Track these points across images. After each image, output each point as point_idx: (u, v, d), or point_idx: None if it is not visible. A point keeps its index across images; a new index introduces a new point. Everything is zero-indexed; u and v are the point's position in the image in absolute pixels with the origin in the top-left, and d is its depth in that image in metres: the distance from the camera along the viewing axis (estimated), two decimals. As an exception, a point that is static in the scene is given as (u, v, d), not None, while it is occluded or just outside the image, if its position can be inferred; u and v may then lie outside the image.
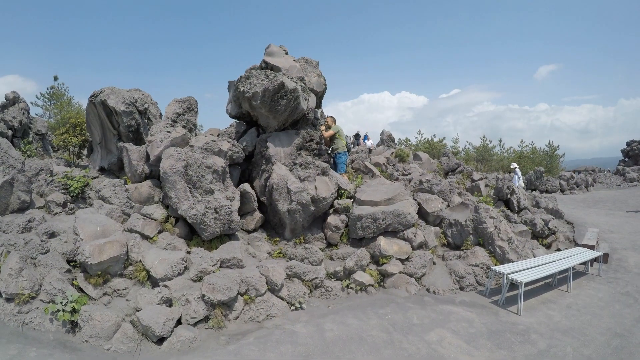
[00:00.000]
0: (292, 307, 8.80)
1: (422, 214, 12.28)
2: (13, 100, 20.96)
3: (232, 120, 13.76)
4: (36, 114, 26.73)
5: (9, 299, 7.57)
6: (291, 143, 12.02)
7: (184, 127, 11.72)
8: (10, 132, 18.95)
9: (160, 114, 13.22)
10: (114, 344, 6.96)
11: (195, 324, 7.63)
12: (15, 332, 7.12)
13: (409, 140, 42.47)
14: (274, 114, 11.72)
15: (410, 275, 10.23)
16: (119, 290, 8.27)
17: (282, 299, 8.84)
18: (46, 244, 8.69)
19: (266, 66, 12.88)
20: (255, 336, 7.49)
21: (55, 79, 37.02)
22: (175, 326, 7.42)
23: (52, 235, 8.95)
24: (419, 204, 12.30)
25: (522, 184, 20.24)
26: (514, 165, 21.14)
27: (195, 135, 11.80)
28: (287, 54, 13.84)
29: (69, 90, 37.39)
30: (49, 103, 36.48)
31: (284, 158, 11.70)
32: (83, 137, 15.21)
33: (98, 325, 7.05)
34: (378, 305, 8.98)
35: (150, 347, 7.03)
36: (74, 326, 7.31)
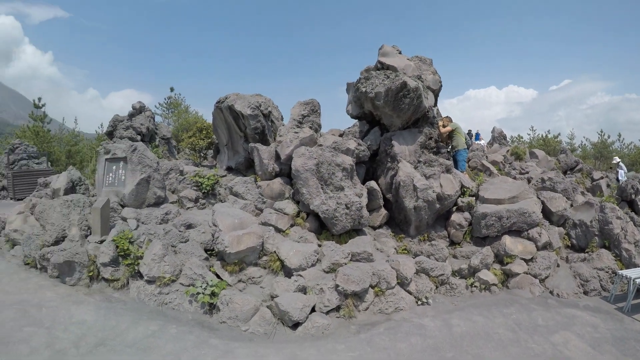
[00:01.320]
0: (419, 302, 8.80)
1: (545, 213, 11.75)
2: (140, 109, 22.62)
3: (338, 122, 13.95)
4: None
5: (150, 281, 8.34)
6: (415, 141, 11.99)
7: (310, 127, 12.10)
8: (139, 137, 20.46)
9: (282, 116, 13.80)
10: (251, 326, 7.33)
11: (327, 312, 7.85)
12: (155, 310, 7.74)
13: (522, 137, 40.52)
14: (398, 112, 11.72)
15: (535, 276, 9.89)
16: (253, 277, 8.73)
17: (410, 293, 8.89)
18: (185, 234, 9.38)
19: (382, 66, 12.90)
20: (385, 327, 7.57)
21: (172, 89, 39.99)
22: (310, 313, 7.76)
23: (189, 226, 9.66)
24: (542, 202, 11.86)
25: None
26: (617, 159, 19.73)
27: (320, 135, 12.21)
28: (400, 53, 13.79)
29: (185, 99, 39.94)
30: (167, 111, 39.10)
31: (408, 156, 11.68)
32: (209, 140, 16.23)
33: (238, 308, 7.47)
34: (502, 305, 8.79)
35: (285, 331, 7.32)
36: (211, 308, 7.80)
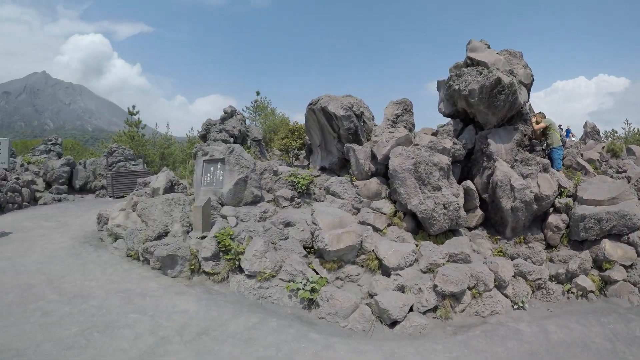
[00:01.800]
0: (515, 306, 8.52)
1: (646, 216, 11.12)
2: (231, 113, 23.36)
3: (425, 120, 13.71)
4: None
5: (250, 276, 8.63)
6: (510, 139, 11.64)
7: (404, 127, 12.02)
8: (231, 140, 21.13)
9: (373, 116, 13.80)
10: (350, 323, 7.37)
11: (424, 312, 7.77)
12: (254, 303, 7.99)
13: (616, 132, 37.62)
14: (493, 110, 11.44)
15: (634, 285, 9.18)
16: (351, 275, 8.81)
17: (507, 296, 8.61)
18: (284, 232, 9.61)
19: (471, 62, 12.58)
20: (481, 330, 7.41)
21: (258, 93, 41.13)
22: (407, 312, 7.72)
23: (287, 224, 9.86)
24: (643, 204, 11.17)
25: None
26: None
27: (414, 135, 12.08)
28: (489, 47, 13.35)
29: (271, 102, 40.88)
30: (254, 114, 40.23)
31: (504, 154, 11.33)
32: (301, 141, 16.52)
33: (338, 304, 7.52)
34: (599, 313, 8.28)
35: (382, 329, 7.31)
36: (310, 304, 7.93)
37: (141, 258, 10.05)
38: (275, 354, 6.11)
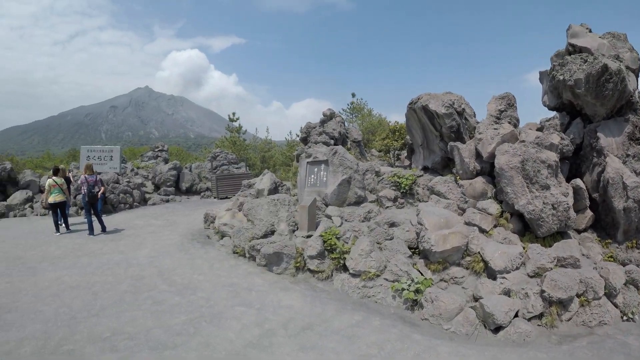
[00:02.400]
0: (624, 317, 7.85)
1: None
2: (330, 115, 23.67)
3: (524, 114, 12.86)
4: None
5: (354, 275, 8.70)
6: (621, 132, 10.78)
7: (509, 122, 11.56)
8: (332, 142, 21.39)
9: (474, 113, 13.41)
10: (453, 325, 7.18)
11: (529, 319, 7.45)
12: (357, 302, 8.04)
13: None
14: (601, 100, 10.64)
15: None
16: (455, 277, 8.58)
17: (616, 306, 7.97)
18: (389, 232, 9.58)
19: (573, 49, 11.76)
20: (587, 341, 6.95)
21: (353, 95, 41.46)
22: (512, 318, 7.44)
23: (392, 224, 9.80)
24: None
25: None
26: None
27: (519, 131, 11.57)
28: (590, 31, 12.37)
29: (367, 103, 41.13)
30: (351, 116, 40.51)
31: (615, 149, 10.52)
32: (402, 141, 16.42)
33: (442, 306, 7.37)
34: None
35: (486, 333, 7.06)
36: (414, 304, 7.83)
37: (247, 255, 10.49)
38: (377, 353, 6.11)
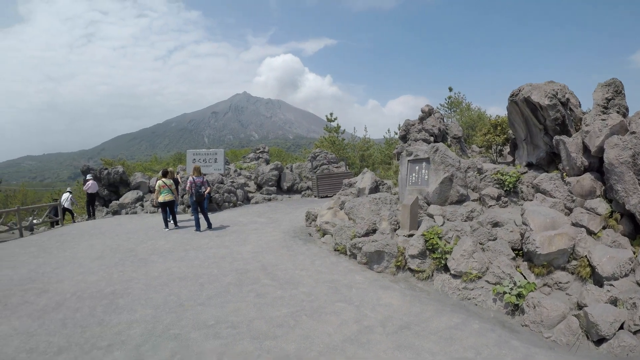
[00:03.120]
0: None
1: None
2: (429, 112, 23.28)
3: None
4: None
5: (455, 276, 8.51)
6: None
7: (617, 112, 10.70)
8: (432, 139, 21.03)
9: (579, 103, 12.55)
10: (554, 334, 6.79)
11: (635, 332, 6.86)
12: (457, 304, 7.85)
13: None
14: None
15: None
16: (559, 283, 8.06)
17: None
18: (492, 232, 9.25)
19: None
20: None
21: (450, 89, 40.52)
22: (617, 330, 6.86)
23: (495, 224, 9.48)
24: None
25: None
26: None
27: (629, 121, 10.63)
28: None
29: (465, 97, 40.12)
30: (449, 111, 39.68)
31: None
32: (505, 136, 15.80)
33: (545, 313, 6.98)
34: None
35: (587, 345, 6.62)
36: (514, 309, 7.51)
37: (348, 253, 10.56)
38: (474, 357, 5.93)
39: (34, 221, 20.77)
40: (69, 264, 11.35)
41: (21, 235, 17.60)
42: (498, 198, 11.33)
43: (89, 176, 23.42)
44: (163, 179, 15.45)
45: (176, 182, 18.48)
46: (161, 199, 15.28)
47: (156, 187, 15.47)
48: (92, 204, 22.78)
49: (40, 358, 6.04)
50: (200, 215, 15.28)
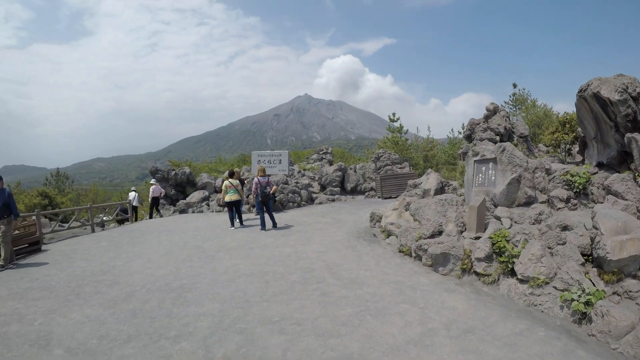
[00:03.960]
0: None
1: None
2: (494, 110, 22.81)
3: None
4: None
5: (522, 281, 8.25)
6: None
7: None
8: (497, 138, 20.62)
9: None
10: (621, 345, 6.45)
11: None
12: (523, 310, 7.63)
13: None
14: None
15: None
16: (630, 291, 7.61)
17: None
18: (561, 236, 8.92)
19: None
20: None
21: (515, 86, 39.60)
22: None
23: (564, 228, 9.14)
24: None
25: None
26: None
27: None
28: None
29: (530, 94, 39.14)
30: (514, 109, 38.81)
31: None
32: (574, 134, 15.27)
33: (613, 322, 6.63)
34: None
35: None
36: (582, 317, 7.19)
37: (413, 254, 10.55)
38: (537, 365, 5.85)
39: (104, 218, 22.21)
40: (139, 258, 12.02)
41: (93, 231, 18.91)
42: (567, 200, 10.93)
43: (152, 181, 25.15)
44: (230, 180, 16.04)
45: (242, 182, 19.02)
46: (227, 198, 15.88)
47: (223, 187, 16.10)
48: (155, 206, 24.66)
49: (110, 345, 6.42)
50: (266, 215, 15.65)
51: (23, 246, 13.98)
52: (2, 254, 11.41)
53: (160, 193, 25.04)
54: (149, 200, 24.93)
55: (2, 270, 11.14)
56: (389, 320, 6.99)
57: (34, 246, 14.38)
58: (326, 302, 7.79)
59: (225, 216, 18.57)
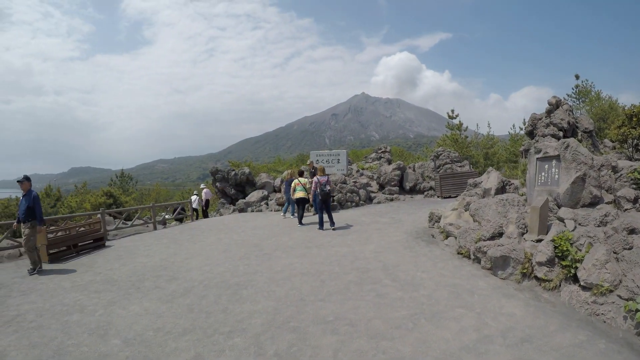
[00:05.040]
0: None
1: None
2: (556, 104, 22.01)
3: None
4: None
5: (585, 288, 7.75)
6: None
7: None
8: (560, 133, 19.90)
9: None
10: None
11: None
12: (584, 319, 7.19)
13: None
14: None
15: None
16: None
17: None
18: (628, 240, 8.39)
19: None
20: None
21: (577, 77, 38.15)
22: None
23: (632, 231, 8.54)
24: None
25: None
26: None
27: None
28: None
29: (594, 85, 37.78)
30: (577, 102, 37.56)
31: None
32: (643, 128, 14.50)
33: None
34: None
35: None
36: None
37: (472, 257, 10.29)
38: (596, 380, 5.53)
39: (166, 216, 23.32)
40: (198, 255, 12.49)
41: (155, 228, 19.72)
42: (635, 200, 10.23)
43: (202, 185, 27.27)
44: (299, 178, 16.67)
45: (313, 174, 19.68)
46: (297, 195, 16.43)
47: (292, 185, 16.76)
48: (206, 207, 27.31)
49: (166, 337, 6.73)
50: (325, 215, 15.69)
51: (88, 242, 15.03)
52: (30, 259, 11.66)
53: (211, 196, 27.80)
54: (202, 202, 27.13)
55: (32, 274, 11.38)
56: (444, 324, 6.85)
57: (99, 242, 15.43)
58: (381, 304, 7.74)
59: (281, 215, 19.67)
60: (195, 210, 26.22)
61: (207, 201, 27.35)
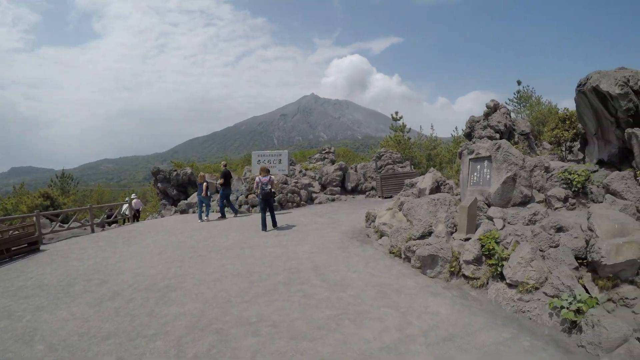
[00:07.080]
0: None
1: None
2: (494, 107, 22.63)
3: None
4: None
5: (511, 285, 7.83)
6: None
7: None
8: (497, 136, 20.41)
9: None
10: (612, 359, 6.22)
11: None
12: (510, 317, 7.22)
13: None
14: None
15: None
16: (625, 299, 7.02)
17: None
18: (554, 238, 8.45)
19: None
20: None
21: (519, 83, 39.70)
22: None
23: (559, 229, 8.61)
24: None
25: None
26: None
27: None
28: None
29: (535, 91, 39.29)
30: (518, 106, 38.93)
31: None
32: (574, 130, 14.99)
33: (604, 333, 6.09)
34: None
35: None
36: (572, 326, 6.68)
37: (403, 256, 10.28)
38: (518, 378, 5.50)
39: (105, 218, 22.85)
40: (132, 258, 12.33)
41: (92, 231, 19.08)
42: (565, 200, 10.45)
43: (133, 195, 27.07)
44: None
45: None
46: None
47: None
48: (136, 219, 26.65)
49: (89, 341, 6.73)
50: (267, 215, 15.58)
51: (22, 246, 14.30)
52: None
53: (141, 206, 27.33)
54: (132, 211, 26.65)
55: None
56: (367, 324, 6.80)
57: (33, 246, 14.72)
58: (306, 304, 7.74)
59: (221, 216, 19.61)
60: (125, 215, 25.80)
61: (138, 211, 26.92)
